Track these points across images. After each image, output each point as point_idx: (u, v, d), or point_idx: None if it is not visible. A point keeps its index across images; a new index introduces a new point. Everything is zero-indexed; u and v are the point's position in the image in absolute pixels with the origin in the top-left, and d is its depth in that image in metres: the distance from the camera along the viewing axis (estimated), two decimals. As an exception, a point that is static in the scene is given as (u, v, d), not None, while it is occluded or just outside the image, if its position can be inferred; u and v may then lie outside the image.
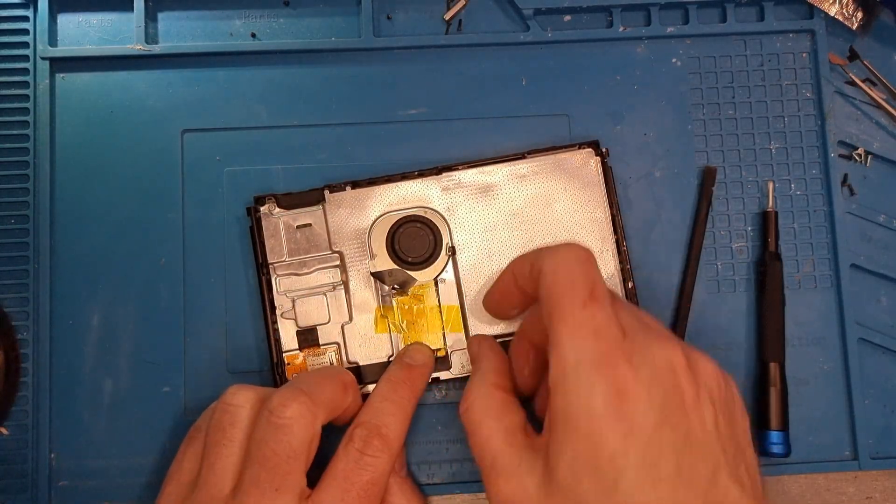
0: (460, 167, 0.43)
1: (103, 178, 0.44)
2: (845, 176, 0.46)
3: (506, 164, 0.43)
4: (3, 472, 0.42)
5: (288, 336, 0.42)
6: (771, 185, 0.45)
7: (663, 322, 0.44)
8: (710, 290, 0.45)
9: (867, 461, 0.43)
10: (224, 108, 0.45)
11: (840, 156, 0.46)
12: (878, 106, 0.47)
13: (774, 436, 0.42)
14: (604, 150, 0.43)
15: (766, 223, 0.45)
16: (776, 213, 0.45)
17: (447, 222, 0.43)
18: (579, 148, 0.43)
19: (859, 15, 0.46)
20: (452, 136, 0.45)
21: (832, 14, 0.46)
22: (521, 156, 0.43)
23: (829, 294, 0.45)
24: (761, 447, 0.42)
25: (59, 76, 0.45)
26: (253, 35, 0.46)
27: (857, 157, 0.46)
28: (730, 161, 0.46)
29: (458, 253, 0.43)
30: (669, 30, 0.46)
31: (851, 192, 0.46)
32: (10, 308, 0.43)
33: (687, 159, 0.46)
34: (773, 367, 0.43)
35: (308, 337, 0.42)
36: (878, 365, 0.45)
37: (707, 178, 0.45)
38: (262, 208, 0.42)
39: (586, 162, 0.43)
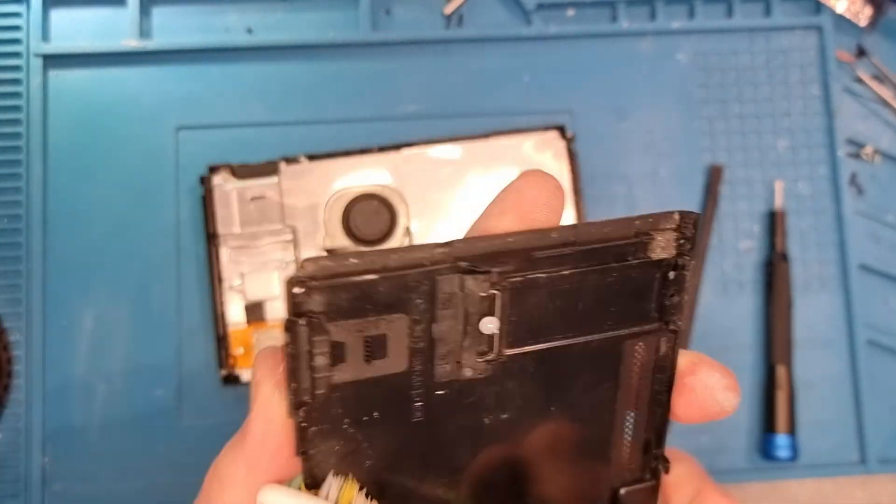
0: (421, 144, 0.42)
1: (97, 177, 0.43)
2: (853, 175, 0.45)
3: (468, 142, 0.42)
4: (-6, 477, 0.41)
5: (236, 310, 0.41)
6: (778, 185, 0.44)
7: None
8: (717, 291, 0.44)
9: (875, 465, 0.43)
10: (219, 105, 0.44)
11: (848, 154, 0.45)
12: (887, 104, 0.46)
13: (781, 439, 0.42)
14: (569, 134, 0.42)
15: (773, 223, 0.44)
16: (783, 212, 0.44)
17: (405, 201, 0.42)
18: (545, 131, 0.42)
19: (867, 11, 0.46)
20: (453, 132, 0.44)
21: (840, 11, 0.46)
22: (483, 136, 0.42)
23: (837, 295, 0.44)
24: (768, 451, 0.42)
25: (51, 73, 0.44)
26: (249, 30, 0.45)
27: (865, 156, 0.46)
28: (736, 159, 0.45)
29: (414, 234, 0.42)
30: (674, 25, 0.45)
31: (860, 191, 0.45)
32: (2, 309, 0.42)
33: (693, 157, 0.45)
34: (781, 370, 0.42)
35: (256, 312, 0.41)
36: (887, 367, 0.44)
37: (713, 177, 0.44)
38: (215, 178, 0.41)
39: (551, 146, 0.42)
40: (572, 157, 0.42)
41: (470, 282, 0.16)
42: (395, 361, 0.16)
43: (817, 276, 0.44)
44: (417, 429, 0.17)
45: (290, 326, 0.15)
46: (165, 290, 0.43)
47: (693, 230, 0.17)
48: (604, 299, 0.17)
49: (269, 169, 0.42)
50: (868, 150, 0.46)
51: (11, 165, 0.43)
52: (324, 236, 0.41)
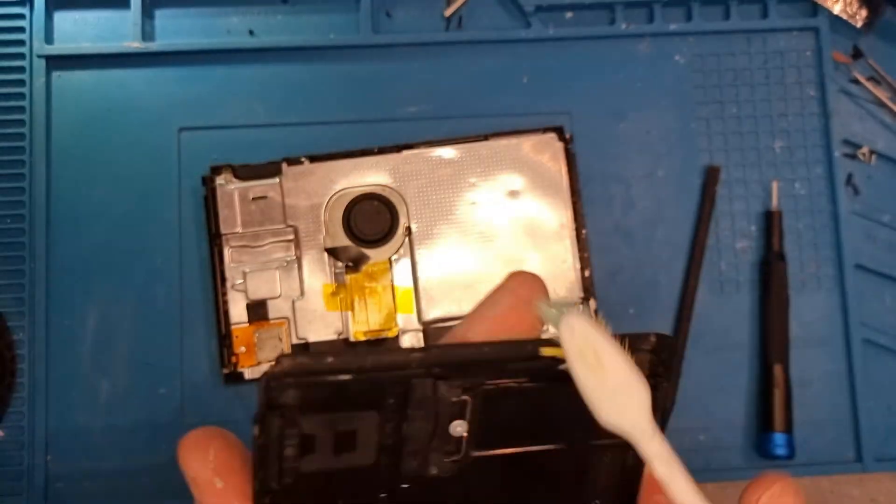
0: (421, 146, 0.42)
1: (99, 178, 0.44)
2: (849, 175, 0.46)
3: (467, 144, 0.43)
4: (-2, 475, 0.42)
5: (238, 309, 0.41)
6: (775, 185, 0.44)
7: (666, 323, 0.44)
8: (714, 291, 0.44)
9: (871, 463, 0.43)
10: (221, 106, 0.44)
11: (844, 155, 0.46)
12: (883, 104, 0.46)
13: (778, 438, 0.42)
14: (567, 135, 0.43)
15: (769, 223, 0.44)
16: (780, 212, 0.44)
17: (405, 202, 0.42)
18: (543, 132, 0.43)
19: (863, 13, 0.46)
20: (452, 133, 0.44)
21: (836, 12, 0.46)
22: (483, 137, 0.43)
23: (833, 295, 0.44)
24: (765, 450, 0.42)
25: (55, 74, 0.44)
26: (250, 32, 0.45)
27: (861, 157, 0.46)
28: (733, 160, 0.45)
29: (414, 233, 0.42)
30: (672, 27, 0.46)
31: (856, 192, 0.46)
32: (6, 308, 0.43)
33: (690, 158, 0.45)
34: (777, 369, 0.43)
35: (258, 311, 0.41)
36: (883, 366, 0.44)
37: (710, 178, 0.45)
38: (218, 178, 0.42)
39: (550, 147, 0.43)
40: (570, 157, 0.43)
41: (443, 387, 0.16)
42: (363, 455, 0.17)
43: (814, 275, 0.45)
44: None
45: (262, 418, 0.16)
46: (168, 289, 0.43)
47: (668, 354, 0.17)
48: (575, 411, 0.17)
49: (270, 170, 0.42)
50: (864, 150, 0.46)
51: (15, 166, 0.43)
52: (325, 236, 0.42)
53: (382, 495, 0.17)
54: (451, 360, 0.16)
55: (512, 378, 0.17)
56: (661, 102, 0.46)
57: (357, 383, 0.16)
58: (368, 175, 0.42)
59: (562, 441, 0.18)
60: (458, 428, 0.17)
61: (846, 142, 0.46)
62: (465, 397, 0.17)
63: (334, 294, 0.42)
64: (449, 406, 0.17)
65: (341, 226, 0.42)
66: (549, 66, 0.45)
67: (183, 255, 0.43)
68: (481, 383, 0.17)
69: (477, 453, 0.17)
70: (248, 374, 0.41)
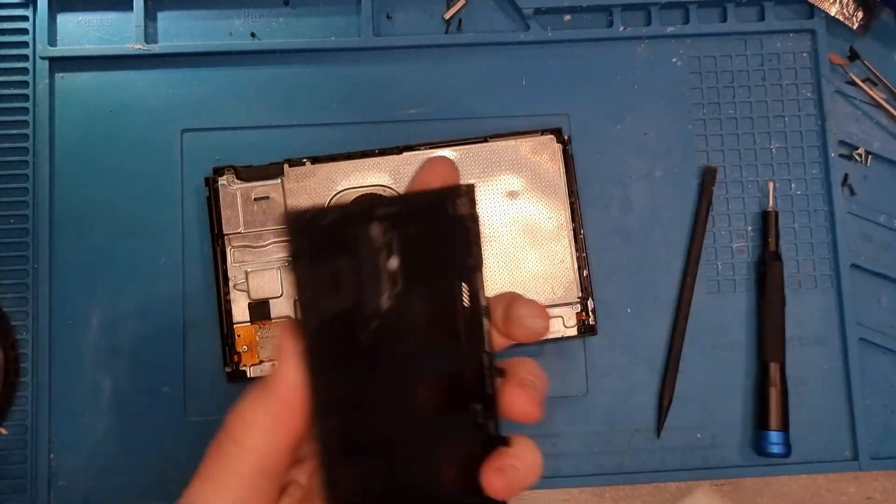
0: (421, 147, 0.43)
1: (102, 178, 0.44)
2: (846, 176, 0.46)
3: (467, 146, 0.43)
4: (1, 473, 0.42)
5: (240, 308, 0.42)
6: (771, 185, 0.45)
7: (663, 322, 0.44)
8: (711, 290, 0.45)
9: (867, 461, 0.43)
10: (223, 108, 0.45)
11: (840, 155, 0.46)
12: (879, 106, 0.47)
13: (774, 436, 0.42)
14: (566, 136, 0.43)
15: (766, 223, 0.45)
16: (776, 212, 0.45)
17: None
18: (542, 134, 0.43)
19: (860, 15, 0.46)
20: (452, 135, 0.45)
21: (832, 14, 0.46)
22: (482, 139, 0.43)
23: (829, 294, 0.45)
24: (761, 448, 0.42)
25: (58, 76, 0.45)
26: (252, 35, 0.46)
27: (857, 157, 0.46)
28: (730, 161, 0.46)
29: None
30: (670, 29, 0.46)
31: (852, 192, 0.46)
32: (10, 308, 0.43)
33: (687, 159, 0.46)
34: (774, 368, 0.43)
35: (260, 310, 0.42)
36: (879, 365, 0.45)
37: (707, 178, 0.45)
38: (220, 179, 0.42)
39: (548, 148, 0.43)
40: (569, 159, 0.43)
41: (374, 228, 0.23)
42: (347, 295, 0.23)
43: (810, 275, 0.45)
44: (364, 355, 0.23)
45: (294, 260, 0.22)
46: (171, 289, 0.43)
47: (474, 195, 0.24)
48: (441, 247, 0.24)
49: (272, 171, 0.42)
50: (860, 151, 0.46)
51: (18, 167, 0.44)
52: None
53: (363, 336, 0.23)
54: (378, 206, 0.23)
55: (409, 225, 0.23)
56: (659, 104, 0.46)
57: (330, 229, 0.22)
58: (369, 176, 0.43)
59: (440, 276, 0.24)
60: (393, 262, 0.23)
61: (842, 143, 0.46)
62: (389, 235, 0.23)
63: None
64: (382, 244, 0.23)
65: None
66: (548, 68, 0.46)
67: (185, 255, 0.44)
68: (399, 227, 0.23)
69: (410, 287, 0.23)
70: (251, 372, 0.41)
